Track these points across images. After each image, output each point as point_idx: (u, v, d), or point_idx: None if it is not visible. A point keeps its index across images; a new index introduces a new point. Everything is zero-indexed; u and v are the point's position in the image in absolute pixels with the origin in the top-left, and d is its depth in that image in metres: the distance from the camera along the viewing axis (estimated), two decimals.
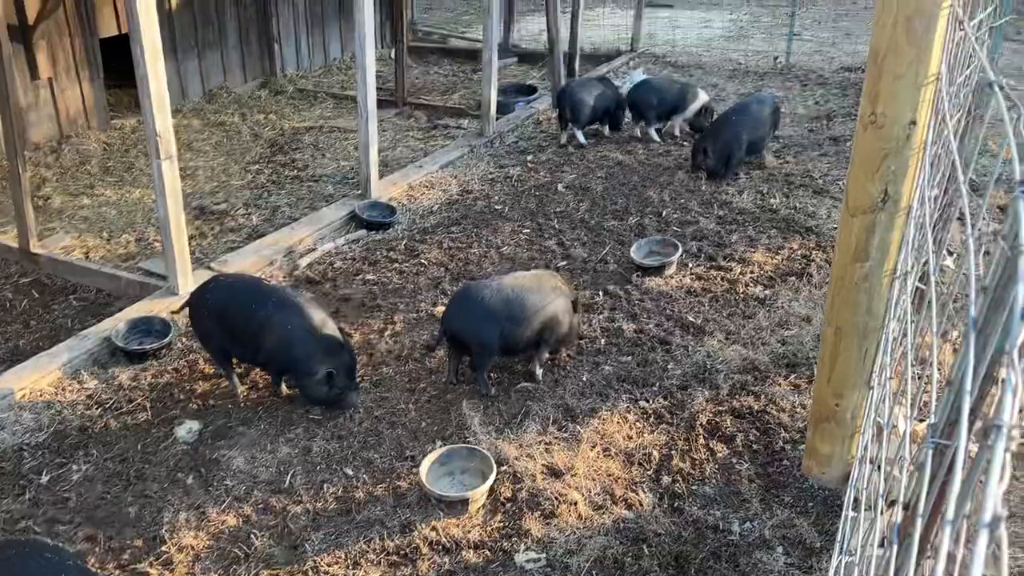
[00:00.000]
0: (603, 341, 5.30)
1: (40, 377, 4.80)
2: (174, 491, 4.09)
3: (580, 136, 8.52)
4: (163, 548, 3.76)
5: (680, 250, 6.15)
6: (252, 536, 3.82)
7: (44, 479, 4.17)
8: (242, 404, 4.72)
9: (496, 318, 4.66)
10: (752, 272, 6.08)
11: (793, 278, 6.00)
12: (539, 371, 4.94)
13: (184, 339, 5.28)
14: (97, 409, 4.66)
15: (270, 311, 4.54)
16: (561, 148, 8.43)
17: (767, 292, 5.83)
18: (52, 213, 6.99)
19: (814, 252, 6.32)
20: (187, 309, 4.90)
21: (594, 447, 4.40)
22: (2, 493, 4.07)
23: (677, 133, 8.77)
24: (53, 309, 5.79)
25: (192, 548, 3.76)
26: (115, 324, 5.19)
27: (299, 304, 4.61)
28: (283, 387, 4.76)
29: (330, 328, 4.62)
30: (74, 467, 4.25)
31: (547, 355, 4.96)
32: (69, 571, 2.89)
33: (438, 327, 4.95)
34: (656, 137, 8.67)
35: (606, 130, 8.80)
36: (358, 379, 4.72)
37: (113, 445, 4.40)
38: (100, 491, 4.10)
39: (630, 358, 5.13)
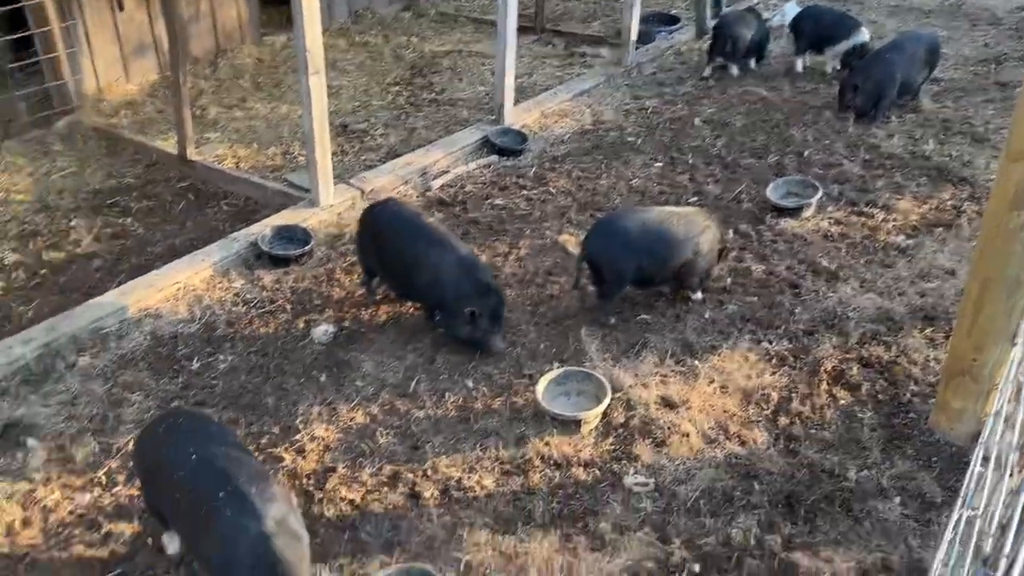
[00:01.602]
0: (729, 280, 5.21)
1: (194, 273, 5.20)
2: (309, 386, 4.39)
3: (734, 70, 8.27)
4: (297, 437, 4.07)
5: (820, 192, 5.91)
6: (377, 433, 4.07)
7: (195, 365, 4.55)
8: (374, 312, 4.96)
9: (636, 250, 4.65)
10: (896, 220, 5.78)
11: (940, 229, 5.67)
12: (696, 295, 4.96)
13: (323, 249, 5.57)
14: (243, 306, 5.02)
15: (424, 247, 4.59)
16: (702, 81, 8.18)
17: (910, 242, 5.55)
18: (208, 123, 7.42)
19: (966, 204, 5.94)
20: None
21: (711, 383, 4.39)
22: (159, 374, 4.49)
23: (828, 70, 8.32)
24: (206, 212, 6.22)
25: (323, 439, 4.05)
26: (261, 230, 5.53)
27: (453, 244, 4.64)
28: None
29: (482, 271, 4.60)
30: (221, 357, 4.61)
31: (695, 284, 4.92)
32: (225, 442, 3.19)
33: (577, 253, 4.96)
34: (800, 68, 8.30)
35: (752, 63, 8.46)
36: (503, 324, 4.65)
37: (256, 340, 4.74)
38: (243, 380, 4.45)
39: (756, 299, 5.04)
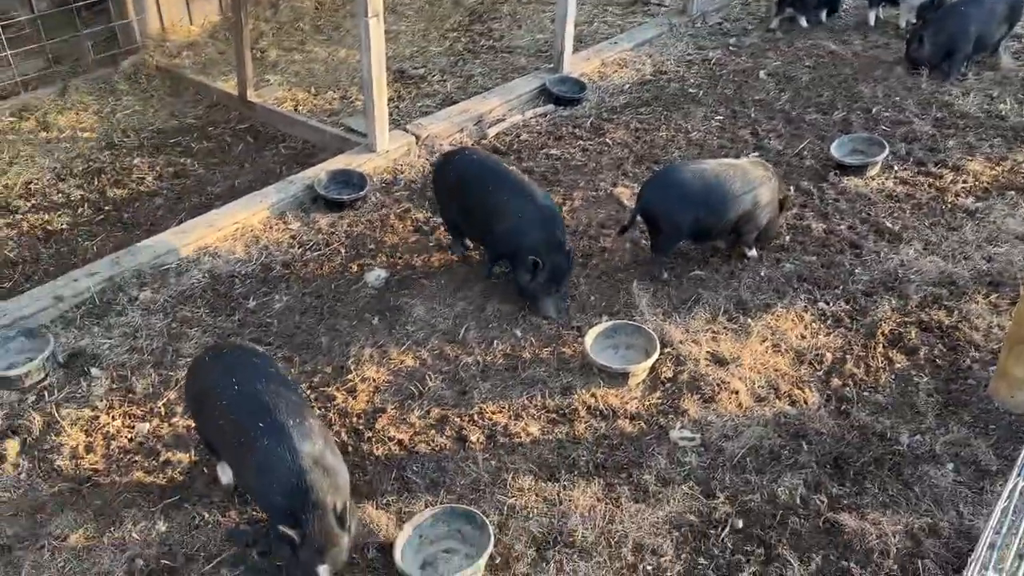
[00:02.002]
0: (788, 238, 5.10)
1: (251, 214, 5.28)
2: (361, 329, 4.46)
3: (803, 21, 8.00)
4: (348, 377, 4.15)
5: (887, 151, 5.71)
6: (427, 377, 4.13)
7: (251, 304, 4.65)
8: (426, 259, 4.98)
9: (693, 203, 4.56)
10: (965, 182, 5.57)
11: (1013, 192, 5.45)
12: (751, 252, 4.87)
13: (378, 194, 5.60)
14: (299, 248, 5.09)
15: (505, 195, 4.50)
16: (769, 32, 7.92)
17: (979, 204, 5.35)
18: (267, 65, 7.46)
19: None
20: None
21: (764, 341, 4.33)
22: (216, 312, 4.60)
23: (902, 24, 7.98)
24: (264, 154, 6.28)
25: (373, 380, 4.12)
26: (318, 173, 5.57)
27: (535, 194, 4.53)
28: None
29: (558, 226, 4.47)
30: (276, 297, 4.70)
31: (752, 239, 4.83)
32: (270, 376, 3.26)
33: (633, 205, 4.90)
34: (872, 21, 7.98)
35: (823, 16, 8.15)
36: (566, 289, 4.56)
37: (311, 282, 4.81)
38: (297, 320, 4.53)
39: (815, 258, 4.93)
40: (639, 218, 4.77)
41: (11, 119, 6.62)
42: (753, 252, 4.89)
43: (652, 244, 4.80)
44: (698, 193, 4.56)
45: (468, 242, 5.00)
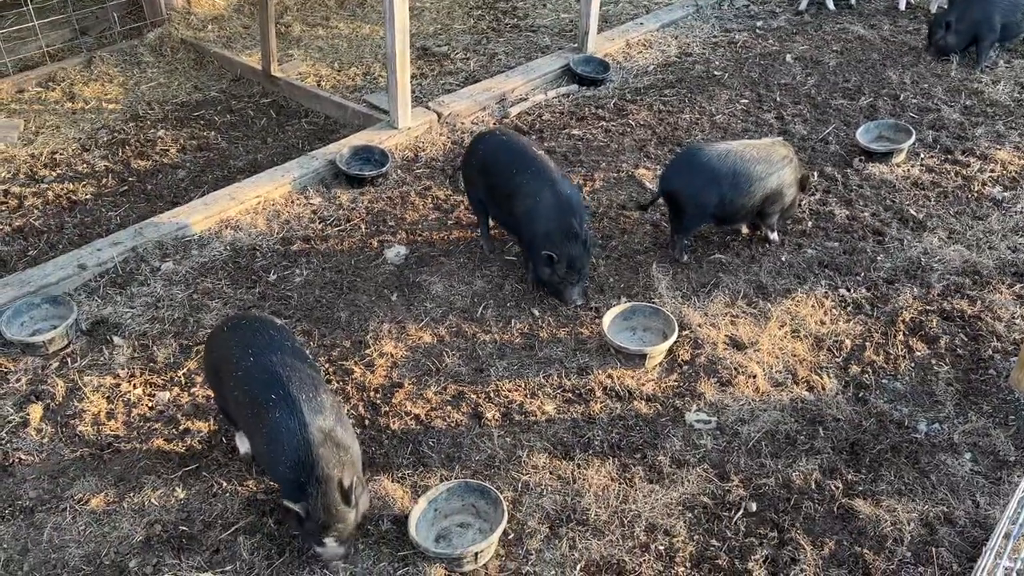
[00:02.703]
0: (810, 224, 5.06)
1: (274, 188, 5.30)
2: (380, 304, 4.48)
3: (831, 4, 7.90)
4: (367, 352, 4.17)
5: (913, 137, 5.64)
6: (444, 354, 4.14)
7: (272, 277, 4.68)
8: (446, 237, 4.99)
9: (719, 183, 4.53)
10: (993, 171, 5.49)
11: None
12: (774, 235, 4.85)
13: (399, 171, 5.60)
14: (319, 223, 5.11)
15: (527, 178, 4.40)
16: (797, 16, 7.82)
17: (1007, 194, 5.27)
18: (291, 40, 7.46)
19: None
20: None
21: (783, 327, 4.31)
22: (237, 284, 4.63)
23: (933, 9, 7.85)
24: (287, 129, 6.30)
25: (391, 355, 4.15)
26: (340, 149, 5.58)
27: (557, 180, 4.40)
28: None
29: (576, 215, 4.32)
30: (296, 271, 4.73)
31: (775, 222, 4.81)
32: (286, 349, 3.29)
33: (656, 186, 4.84)
34: (903, 5, 7.86)
35: None
36: (586, 277, 4.46)
37: (331, 257, 4.83)
38: (317, 295, 4.56)
39: (837, 244, 4.89)
40: (660, 200, 4.74)
41: (38, 89, 6.68)
42: (775, 236, 4.86)
43: (673, 226, 4.77)
44: (724, 174, 4.53)
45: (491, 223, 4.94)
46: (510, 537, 3.30)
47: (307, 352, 3.49)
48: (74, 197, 5.48)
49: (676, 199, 4.64)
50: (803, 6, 7.92)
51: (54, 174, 5.70)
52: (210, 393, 3.83)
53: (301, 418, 3.02)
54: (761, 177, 4.55)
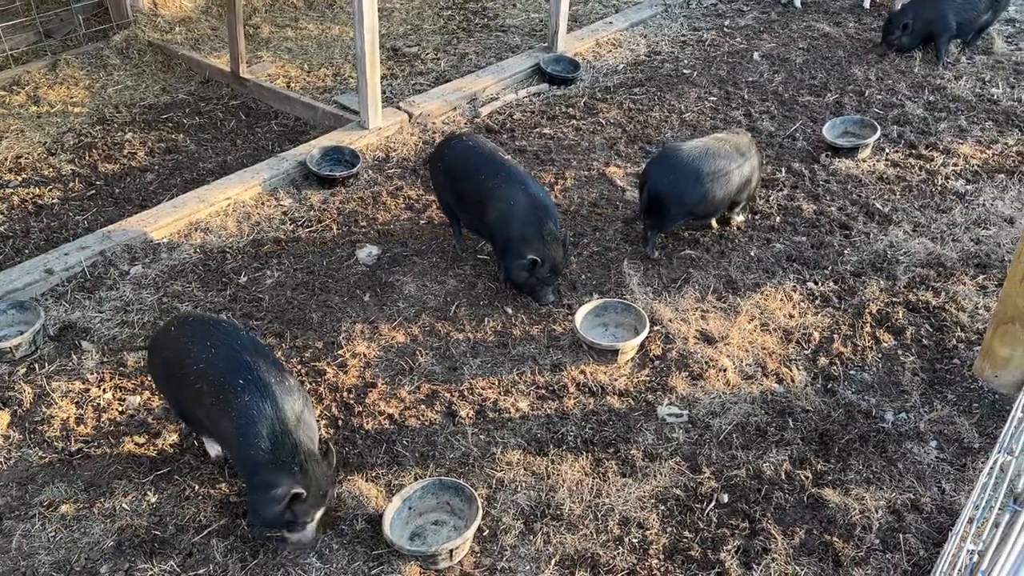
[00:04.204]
0: (779, 219, 5.12)
1: (244, 190, 5.27)
2: (352, 305, 4.47)
3: (798, 2, 8.03)
4: (339, 352, 4.16)
5: (878, 133, 5.73)
6: (417, 353, 4.15)
7: (242, 279, 4.66)
8: (418, 236, 4.99)
9: (701, 180, 4.59)
10: (956, 164, 5.60)
11: (1002, 176, 5.48)
12: (741, 218, 5.04)
13: (370, 172, 5.59)
14: (290, 224, 5.09)
15: (498, 183, 4.40)
16: (763, 14, 7.91)
17: (969, 187, 5.38)
18: (260, 42, 7.42)
19: None
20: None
21: (752, 320, 4.36)
22: (207, 287, 4.60)
23: (897, 7, 7.97)
24: (256, 131, 6.26)
25: (364, 356, 4.14)
26: (310, 150, 5.56)
27: (528, 184, 4.42)
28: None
29: (552, 216, 4.37)
30: (268, 272, 4.71)
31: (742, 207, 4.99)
32: (243, 338, 3.29)
33: (639, 188, 4.83)
34: (867, 3, 7.99)
35: None
36: (560, 278, 4.52)
37: (302, 258, 4.82)
38: (289, 296, 4.54)
39: (805, 239, 4.95)
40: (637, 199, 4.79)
41: (2, 93, 6.58)
42: (741, 217, 5.00)
43: (650, 224, 4.77)
44: (705, 171, 4.59)
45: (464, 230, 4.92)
46: (485, 533, 3.31)
47: (258, 340, 3.51)
48: (40, 201, 5.41)
49: (662, 200, 4.64)
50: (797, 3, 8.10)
51: (19, 179, 5.63)
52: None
53: (274, 398, 3.08)
54: (738, 168, 4.70)
